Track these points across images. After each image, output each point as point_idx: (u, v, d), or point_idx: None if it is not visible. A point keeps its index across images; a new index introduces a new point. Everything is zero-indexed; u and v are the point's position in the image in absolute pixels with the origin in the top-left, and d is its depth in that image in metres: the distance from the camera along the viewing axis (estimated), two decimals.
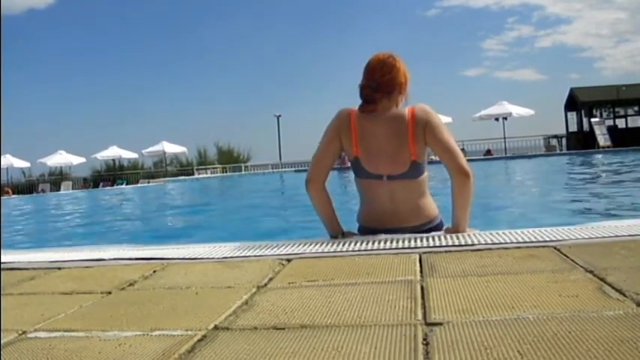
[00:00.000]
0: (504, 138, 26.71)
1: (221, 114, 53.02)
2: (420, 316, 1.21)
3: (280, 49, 56.93)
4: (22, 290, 1.80)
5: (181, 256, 2.15)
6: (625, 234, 1.95)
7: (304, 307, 1.35)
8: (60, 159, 27.63)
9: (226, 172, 28.69)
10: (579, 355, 0.93)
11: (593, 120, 24.46)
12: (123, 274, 1.91)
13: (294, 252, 2.07)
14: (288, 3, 60.28)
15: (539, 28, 59.70)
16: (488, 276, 1.53)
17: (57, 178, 28.40)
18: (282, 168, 28.65)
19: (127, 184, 26.73)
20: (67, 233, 7.71)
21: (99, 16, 52.74)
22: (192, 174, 28.38)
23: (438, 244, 2.02)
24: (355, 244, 2.11)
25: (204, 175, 27.45)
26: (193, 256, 2.14)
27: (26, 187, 27.60)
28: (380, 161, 2.36)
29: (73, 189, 24.89)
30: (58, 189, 24.71)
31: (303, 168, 20.87)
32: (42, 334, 1.28)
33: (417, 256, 1.84)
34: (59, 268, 2.11)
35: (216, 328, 1.24)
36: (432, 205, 2.45)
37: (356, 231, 2.53)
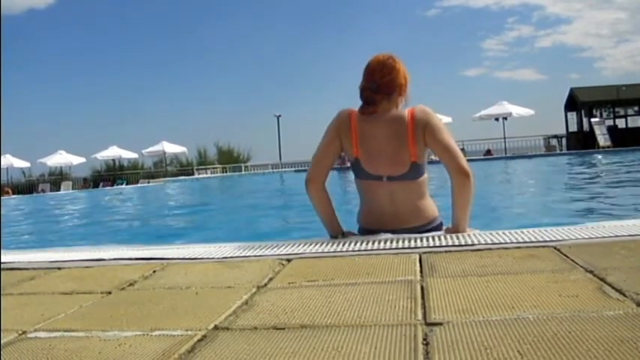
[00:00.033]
0: (504, 138, 26.72)
1: (221, 114, 53.09)
2: (420, 316, 1.21)
3: (280, 49, 57.01)
4: (22, 290, 1.80)
5: (181, 256, 2.15)
6: (625, 234, 1.95)
7: (304, 307, 1.35)
8: (60, 159, 27.63)
9: (226, 172, 28.70)
10: (579, 355, 0.93)
11: (593, 120, 24.47)
12: (123, 274, 1.91)
13: (294, 252, 2.07)
14: (288, 3, 60.35)
15: (539, 28, 59.79)
16: (488, 276, 1.53)
17: (57, 178, 28.41)
18: (282, 168, 28.66)
19: (127, 184, 26.73)
20: (67, 233, 7.71)
21: (99, 16, 52.84)
22: (192, 174, 28.38)
23: (438, 244, 2.02)
24: (355, 244, 2.11)
25: (204, 175, 27.45)
26: (193, 256, 2.14)
27: (26, 187, 27.60)
28: (380, 162, 2.36)
29: (73, 189, 24.89)
30: (58, 189, 24.71)
31: (303, 168, 20.87)
32: (42, 334, 1.28)
33: (417, 256, 1.84)
34: (59, 268, 2.11)
35: (216, 328, 1.24)
36: (431, 207, 2.45)
37: (356, 231, 2.53)
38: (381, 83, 2.37)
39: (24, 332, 1.30)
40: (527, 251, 1.82)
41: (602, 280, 1.40)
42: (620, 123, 25.90)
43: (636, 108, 25.59)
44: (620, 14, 56.97)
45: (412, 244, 2.05)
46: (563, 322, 1.10)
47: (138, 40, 52.97)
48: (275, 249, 2.15)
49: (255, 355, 1.05)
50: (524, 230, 2.15)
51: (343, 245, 2.12)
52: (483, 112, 26.18)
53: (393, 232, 2.33)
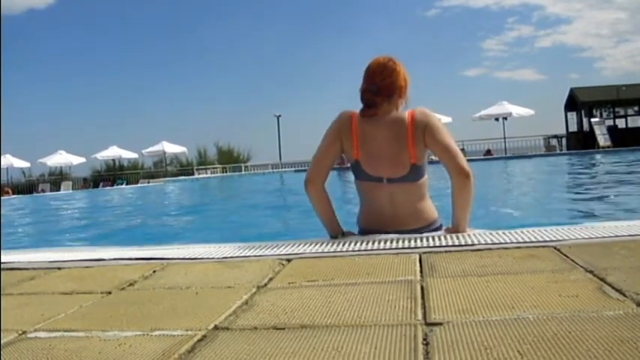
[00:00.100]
0: (504, 138, 26.72)
1: (221, 114, 53.09)
2: (420, 316, 1.21)
3: (280, 49, 57.01)
4: (22, 290, 1.80)
5: (181, 256, 2.15)
6: (625, 234, 1.95)
7: (304, 307, 1.35)
8: (60, 159, 27.63)
9: (226, 172, 28.70)
10: (579, 355, 0.93)
11: (593, 120, 24.46)
12: (123, 274, 1.91)
13: (294, 252, 2.07)
14: (288, 3, 60.35)
15: (539, 28, 59.79)
16: (488, 276, 1.53)
17: (57, 178, 28.41)
18: (282, 168, 28.66)
19: (127, 184, 26.73)
20: (67, 233, 7.71)
21: (99, 16, 52.84)
22: (192, 174, 28.38)
23: (438, 244, 2.02)
24: (355, 244, 2.11)
25: (204, 175, 27.45)
26: (193, 256, 2.14)
27: (26, 187, 27.60)
28: (380, 164, 2.37)
29: (73, 189, 24.90)
30: (58, 189, 24.72)
31: (303, 168, 20.87)
32: (42, 334, 1.28)
33: (417, 256, 1.84)
34: (59, 268, 2.11)
35: (216, 328, 1.24)
36: (431, 209, 2.46)
37: (356, 232, 2.53)
38: (381, 86, 2.38)
39: (24, 332, 1.30)
40: (527, 251, 1.82)
41: (602, 280, 1.40)
42: (620, 123, 25.90)
43: (636, 108, 25.59)
44: (620, 14, 57.01)
45: (412, 244, 2.05)
46: (563, 322, 1.10)
47: (138, 40, 53.04)
48: (275, 249, 2.15)
49: (255, 355, 1.05)
50: (524, 230, 2.15)
51: (343, 245, 2.12)
52: (483, 112, 26.17)
53: (392, 233, 2.33)
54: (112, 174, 30.22)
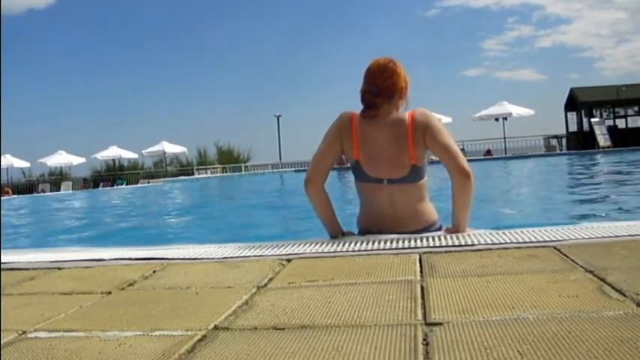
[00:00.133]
0: (504, 138, 26.72)
1: (221, 114, 53.09)
2: (420, 316, 1.21)
3: (280, 49, 57.00)
4: (22, 290, 1.80)
5: (181, 256, 2.15)
6: (625, 234, 1.95)
7: (304, 307, 1.35)
8: (60, 159, 27.63)
9: (226, 172, 28.70)
10: (579, 355, 0.93)
11: (593, 120, 24.46)
12: (123, 274, 1.92)
13: (294, 252, 2.07)
14: (288, 3, 60.35)
15: (539, 28, 59.80)
16: (488, 276, 1.53)
17: (57, 178, 28.41)
18: (282, 168, 28.66)
19: (127, 184, 26.73)
20: (66, 233, 7.70)
21: (99, 16, 52.82)
22: (192, 174, 28.39)
23: (438, 244, 2.02)
24: (355, 244, 2.11)
25: (204, 175, 27.45)
26: (193, 256, 2.14)
27: (26, 187, 27.59)
28: (381, 165, 2.37)
29: (73, 189, 24.89)
30: (58, 189, 24.71)
31: (303, 168, 20.87)
32: (42, 334, 1.28)
33: (417, 256, 1.84)
34: (59, 268, 2.11)
35: (216, 328, 1.24)
36: (431, 210, 2.46)
37: (355, 232, 2.53)
38: (382, 87, 2.38)
39: (24, 332, 1.30)
40: (527, 251, 1.82)
41: (602, 280, 1.40)
42: (620, 123, 25.90)
43: (636, 108, 25.59)
44: (620, 14, 57.02)
45: (412, 244, 2.05)
46: (563, 322, 1.10)
47: (138, 40, 53.04)
48: (275, 249, 2.15)
49: (255, 355, 1.05)
50: (524, 230, 2.16)
51: (343, 245, 2.12)
52: (483, 112, 26.18)
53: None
54: (112, 174, 30.22)
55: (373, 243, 2.11)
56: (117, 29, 52.37)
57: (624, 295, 1.26)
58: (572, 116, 26.93)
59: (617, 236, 1.93)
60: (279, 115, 33.93)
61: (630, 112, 25.90)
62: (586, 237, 1.95)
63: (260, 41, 55.90)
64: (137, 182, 26.44)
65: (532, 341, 1.01)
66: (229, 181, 22.53)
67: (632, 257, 1.65)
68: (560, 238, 1.95)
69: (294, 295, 1.48)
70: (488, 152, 26.06)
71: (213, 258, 2.09)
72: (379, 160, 2.37)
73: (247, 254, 2.11)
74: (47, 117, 49.91)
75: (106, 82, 50.56)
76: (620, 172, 12.26)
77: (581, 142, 24.84)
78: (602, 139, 23.30)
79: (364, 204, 2.51)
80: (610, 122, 25.19)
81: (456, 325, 1.13)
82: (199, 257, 2.12)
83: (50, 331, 1.30)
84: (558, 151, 25.20)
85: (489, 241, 1.99)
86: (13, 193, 23.60)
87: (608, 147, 22.54)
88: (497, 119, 25.98)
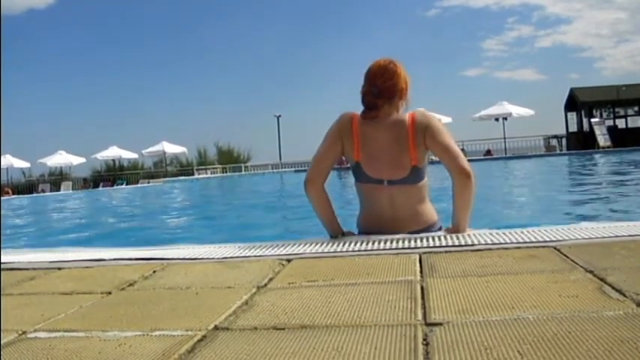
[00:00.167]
0: (504, 138, 26.72)
1: (221, 114, 53.09)
2: (420, 316, 1.21)
3: (280, 49, 57.00)
4: (22, 290, 1.80)
5: (181, 256, 2.15)
6: (625, 234, 1.95)
7: (304, 307, 1.35)
8: (60, 159, 27.63)
9: (226, 172, 28.71)
10: (579, 355, 0.93)
11: (593, 120, 24.46)
12: (123, 274, 1.92)
13: (294, 252, 2.07)
14: (288, 3, 60.34)
15: (539, 28, 59.79)
16: (488, 276, 1.53)
17: (57, 179, 28.41)
18: (282, 168, 28.66)
19: (127, 184, 26.73)
20: (66, 233, 7.70)
21: (99, 16, 52.82)
22: (192, 174, 28.39)
23: (438, 244, 2.02)
24: (355, 244, 2.11)
25: (204, 176, 27.46)
26: (193, 256, 2.14)
27: (26, 187, 27.60)
28: (381, 166, 2.37)
29: (73, 189, 24.89)
30: (58, 189, 24.71)
31: (303, 168, 20.88)
32: (42, 334, 1.28)
33: (417, 256, 1.84)
34: (59, 268, 2.11)
35: (216, 328, 1.24)
36: (431, 211, 2.46)
37: (355, 232, 2.53)
38: (382, 88, 2.39)
39: (24, 332, 1.30)
40: (527, 251, 1.82)
41: (602, 280, 1.40)
42: (620, 123, 25.90)
43: (636, 108, 25.59)
44: (620, 14, 57.01)
45: (412, 244, 2.05)
46: (563, 322, 1.10)
47: (138, 40, 53.04)
48: (275, 249, 2.15)
49: (255, 355, 1.05)
50: (524, 230, 2.16)
51: (343, 245, 2.12)
52: (483, 112, 26.18)
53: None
54: (112, 174, 30.23)
55: (373, 243, 2.11)
56: (117, 29, 52.43)
57: (624, 295, 1.26)
58: (572, 116, 26.93)
59: (617, 236, 1.93)
60: (279, 115, 33.96)
61: (630, 112, 25.90)
62: (586, 237, 1.95)
63: (260, 41, 55.95)
64: (137, 182, 26.44)
65: (532, 341, 1.01)
66: (229, 182, 22.53)
67: (632, 257, 1.65)
68: (560, 238, 1.95)
69: (294, 295, 1.48)
70: (488, 152, 26.06)
71: (213, 258, 2.09)
72: (379, 161, 2.38)
73: (247, 254, 2.11)
74: (47, 117, 49.98)
75: (106, 82, 50.65)
76: (620, 173, 12.26)
77: (581, 142, 24.85)
78: (602, 139, 23.30)
79: (364, 205, 2.51)
80: (610, 122, 25.20)
81: (456, 325, 1.13)
82: (199, 257, 2.12)
83: (50, 331, 1.30)
84: (558, 151, 25.21)
85: (489, 241, 1.99)
86: (13, 193, 23.60)
87: (608, 147, 22.54)
88: (497, 119, 25.99)
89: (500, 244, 1.94)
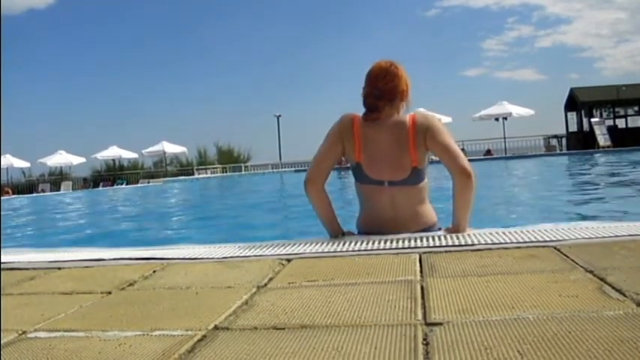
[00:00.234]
0: (504, 138, 26.72)
1: (221, 114, 53.05)
2: (420, 316, 1.21)
3: (280, 49, 56.95)
4: (22, 290, 1.80)
5: (181, 256, 2.15)
6: (625, 234, 1.95)
7: (304, 307, 1.35)
8: (60, 159, 27.62)
9: (226, 172, 28.71)
10: (579, 355, 0.94)
11: (593, 120, 24.46)
12: (123, 274, 1.92)
13: (294, 252, 2.07)
14: (288, 3, 60.33)
15: (539, 28, 59.73)
16: (488, 276, 1.53)
17: (57, 178, 28.41)
18: (282, 168, 28.66)
19: (127, 184, 26.73)
20: (66, 233, 7.71)
21: (99, 16, 52.79)
22: (192, 174, 28.39)
23: (438, 244, 2.02)
24: (355, 244, 2.11)
25: (204, 175, 27.45)
26: (193, 256, 2.14)
27: (26, 187, 27.59)
28: (382, 167, 2.38)
29: (73, 189, 24.89)
30: (58, 189, 24.71)
31: (303, 168, 20.87)
32: (42, 334, 1.28)
33: (417, 256, 1.84)
34: (59, 268, 2.11)
35: (216, 328, 1.24)
36: (431, 212, 2.47)
37: (356, 232, 2.54)
38: (384, 90, 2.39)
39: (24, 332, 1.30)
40: (527, 251, 1.82)
41: (602, 280, 1.40)
42: (620, 123, 25.89)
43: (636, 108, 25.58)
44: (620, 14, 56.99)
45: (412, 244, 2.05)
46: (563, 322, 1.10)
47: (138, 40, 52.99)
48: (275, 249, 2.15)
49: (255, 355, 1.05)
50: (524, 230, 2.16)
51: (343, 245, 2.12)
52: (483, 112, 26.17)
53: None
54: (112, 174, 30.22)
55: (373, 243, 2.11)
56: (117, 29, 52.39)
57: (624, 295, 1.26)
58: (572, 116, 26.92)
59: (617, 236, 1.93)
60: (279, 115, 33.95)
61: (630, 112, 25.89)
62: (586, 237, 1.95)
63: (260, 41, 55.90)
64: (137, 182, 26.44)
65: (532, 341, 1.01)
66: (229, 181, 22.53)
67: (632, 257, 1.65)
68: (560, 238, 1.95)
69: (294, 295, 1.48)
70: (488, 152, 26.06)
71: (213, 258, 2.09)
72: (380, 163, 2.38)
73: (247, 254, 2.11)
74: (47, 117, 49.96)
75: (106, 82, 50.64)
76: (620, 172, 12.26)
77: (581, 142, 24.84)
78: (602, 139, 23.30)
79: (364, 206, 2.52)
80: (610, 122, 25.18)
81: (456, 325, 1.13)
82: (199, 257, 2.12)
83: (50, 331, 1.30)
84: (558, 151, 25.20)
85: (489, 241, 1.99)
86: (13, 193, 23.60)
87: (608, 147, 22.53)
88: (497, 119, 25.98)
89: (500, 243, 1.94)
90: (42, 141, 48.48)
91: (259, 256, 2.06)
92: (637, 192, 8.02)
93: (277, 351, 1.06)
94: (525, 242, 1.94)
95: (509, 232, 2.13)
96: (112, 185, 26.36)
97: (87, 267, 2.11)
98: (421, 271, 1.64)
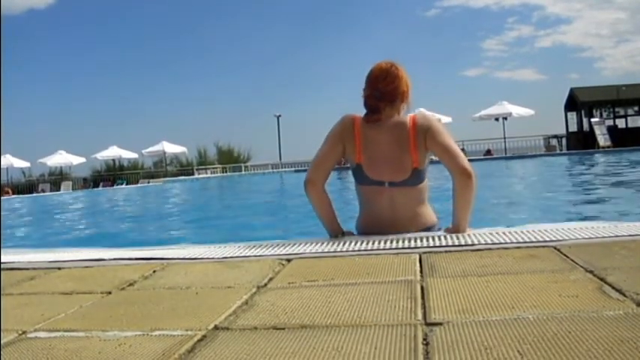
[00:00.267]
0: (504, 138, 26.71)
1: (221, 114, 53.03)
2: (420, 316, 1.21)
3: (280, 49, 56.94)
4: (22, 290, 1.80)
5: (181, 256, 2.15)
6: (625, 234, 1.95)
7: (304, 307, 1.35)
8: (60, 159, 27.62)
9: (226, 172, 28.69)
10: (579, 355, 0.93)
11: (593, 120, 24.45)
12: (123, 274, 1.92)
13: (294, 252, 2.07)
14: (288, 3, 60.32)
15: (539, 28, 59.74)
16: (488, 276, 1.53)
17: (57, 178, 28.40)
18: (282, 168, 28.65)
19: (127, 184, 26.73)
20: (67, 233, 7.71)
21: (99, 16, 52.78)
22: (192, 174, 28.38)
23: (438, 244, 2.02)
24: (355, 244, 2.11)
25: (204, 175, 27.44)
26: (193, 256, 2.14)
27: (26, 187, 27.58)
28: (382, 168, 2.38)
29: (73, 189, 24.88)
30: (58, 189, 24.70)
31: (303, 168, 20.86)
32: (42, 334, 1.28)
33: (417, 256, 1.84)
34: (59, 268, 2.11)
35: (216, 328, 1.24)
36: (430, 213, 2.47)
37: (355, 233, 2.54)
38: (384, 91, 2.40)
39: (24, 332, 1.30)
40: (527, 251, 1.82)
41: (602, 280, 1.40)
42: (620, 123, 25.88)
43: (636, 108, 25.57)
44: (620, 14, 56.99)
45: (412, 244, 2.05)
46: (563, 322, 1.10)
47: (138, 40, 52.98)
48: (275, 249, 2.15)
49: (255, 355, 1.05)
50: (524, 230, 2.16)
51: (343, 245, 2.12)
52: (483, 112, 26.17)
53: None
54: (112, 174, 30.21)
55: (373, 243, 2.11)
56: (117, 29, 52.37)
57: (624, 295, 1.26)
58: (572, 116, 26.92)
59: (617, 236, 1.93)
60: (279, 115, 33.94)
61: (630, 112, 25.89)
62: (586, 237, 1.95)
63: (260, 41, 55.88)
64: (137, 182, 26.43)
65: (532, 341, 1.01)
66: (229, 181, 22.53)
67: (632, 257, 1.65)
68: (560, 238, 1.95)
69: (294, 295, 1.48)
70: (489, 152, 26.05)
71: (213, 258, 2.09)
72: (381, 164, 2.38)
73: (247, 254, 2.11)
74: (47, 117, 49.94)
75: (106, 82, 50.62)
76: (620, 172, 12.26)
77: (581, 142, 24.84)
78: (602, 139, 23.29)
79: (364, 207, 2.52)
80: (610, 122, 25.18)
81: (456, 325, 1.13)
82: (199, 257, 2.12)
83: (50, 331, 1.30)
84: (558, 151, 25.20)
85: (489, 241, 1.99)
86: (13, 193, 23.60)
87: (608, 147, 22.53)
88: (497, 119, 25.97)
89: (500, 243, 1.94)
90: (42, 141, 48.52)
91: (259, 256, 2.06)
92: (637, 192, 8.02)
93: (277, 351, 1.06)
94: (525, 242, 1.94)
95: (509, 232, 2.13)
96: (112, 185, 26.36)
97: (87, 267, 2.11)
98: (421, 271, 1.64)
